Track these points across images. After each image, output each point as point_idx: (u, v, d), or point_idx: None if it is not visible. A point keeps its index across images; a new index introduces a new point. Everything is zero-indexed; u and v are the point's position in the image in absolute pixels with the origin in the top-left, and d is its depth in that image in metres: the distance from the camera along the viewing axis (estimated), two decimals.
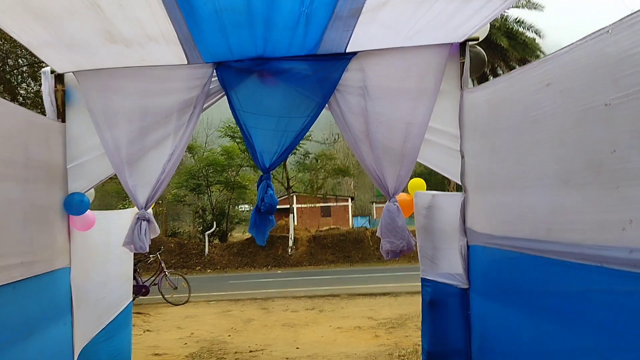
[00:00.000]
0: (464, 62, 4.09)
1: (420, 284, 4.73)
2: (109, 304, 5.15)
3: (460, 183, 4.04)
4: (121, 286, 5.69)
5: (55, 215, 3.91)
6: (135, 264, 12.08)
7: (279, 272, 20.44)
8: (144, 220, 4.01)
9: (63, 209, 4.03)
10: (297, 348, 7.20)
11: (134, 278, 11.75)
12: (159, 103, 4.08)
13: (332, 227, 31.33)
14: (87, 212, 4.18)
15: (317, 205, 39.08)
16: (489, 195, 3.60)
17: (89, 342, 4.53)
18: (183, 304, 11.84)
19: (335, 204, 42.38)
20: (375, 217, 47.55)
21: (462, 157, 4.00)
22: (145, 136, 4.07)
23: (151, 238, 4.10)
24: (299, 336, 8.05)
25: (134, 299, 11.59)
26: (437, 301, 4.33)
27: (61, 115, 4.13)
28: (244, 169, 28.63)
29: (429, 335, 4.47)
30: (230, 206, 28.16)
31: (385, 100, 4.01)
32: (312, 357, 6.60)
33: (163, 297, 11.92)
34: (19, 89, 12.60)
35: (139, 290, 11.81)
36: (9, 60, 12.40)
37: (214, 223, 25.40)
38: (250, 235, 24.82)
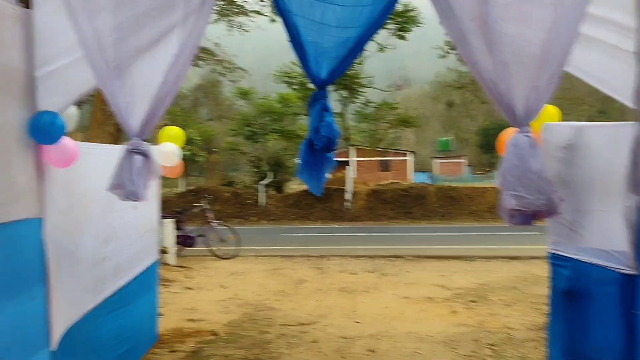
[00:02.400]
0: None
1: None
2: (116, 266, 3.99)
3: (633, 105, 2.47)
4: (137, 242, 4.53)
5: (11, 143, 2.67)
6: (180, 213, 11.23)
7: (336, 226, 19.30)
8: (137, 153, 2.70)
9: (28, 134, 2.79)
10: (357, 322, 5.92)
11: (180, 228, 10.92)
12: None
13: (392, 181, 29.82)
14: (64, 141, 2.92)
15: (376, 158, 37.44)
16: None
17: (82, 317, 3.39)
18: (230, 258, 10.85)
19: (394, 158, 40.65)
20: (437, 172, 45.53)
21: None
22: (140, 29, 2.70)
23: (150, 180, 2.79)
24: (357, 306, 6.77)
25: (178, 251, 10.79)
26: (580, 290, 2.84)
27: None
28: (301, 118, 27.38)
29: (564, 339, 3.00)
30: (287, 156, 27.08)
31: None
32: (376, 338, 5.30)
33: (209, 249, 10.97)
34: None
35: (184, 241, 10.96)
36: None
37: (269, 173, 24.44)
38: (306, 187, 23.75)
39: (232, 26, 16.68)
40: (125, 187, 2.66)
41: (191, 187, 25.71)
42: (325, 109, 2.84)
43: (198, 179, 32.98)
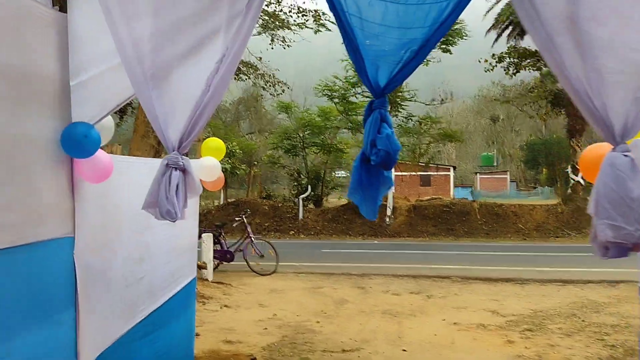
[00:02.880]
0: None
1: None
2: (151, 286, 3.75)
3: None
4: (174, 261, 4.30)
5: (42, 156, 2.47)
6: (219, 227, 11.07)
7: (376, 242, 18.87)
8: (176, 169, 2.45)
9: (59, 147, 2.58)
10: (404, 350, 5.53)
11: (219, 242, 10.75)
12: None
13: (433, 197, 29.15)
14: (98, 154, 2.71)
15: (417, 173, 36.82)
16: None
17: (114, 343, 3.16)
18: (269, 274, 10.58)
19: (435, 173, 39.94)
20: (478, 188, 44.52)
21: None
22: (180, 35, 2.46)
23: (189, 198, 2.53)
24: (403, 331, 6.36)
25: (217, 266, 10.61)
26: None
27: (60, 0, 2.65)
28: (341, 132, 27.11)
29: None
30: (326, 170, 26.81)
31: None
32: None
33: (248, 265, 10.74)
34: None
35: (223, 255, 10.78)
36: None
37: (309, 187, 24.19)
38: (346, 201, 23.49)
39: (274, 40, 16.65)
40: (161, 206, 2.40)
41: (231, 200, 25.78)
42: (384, 119, 2.52)
43: (238, 192, 33.17)
